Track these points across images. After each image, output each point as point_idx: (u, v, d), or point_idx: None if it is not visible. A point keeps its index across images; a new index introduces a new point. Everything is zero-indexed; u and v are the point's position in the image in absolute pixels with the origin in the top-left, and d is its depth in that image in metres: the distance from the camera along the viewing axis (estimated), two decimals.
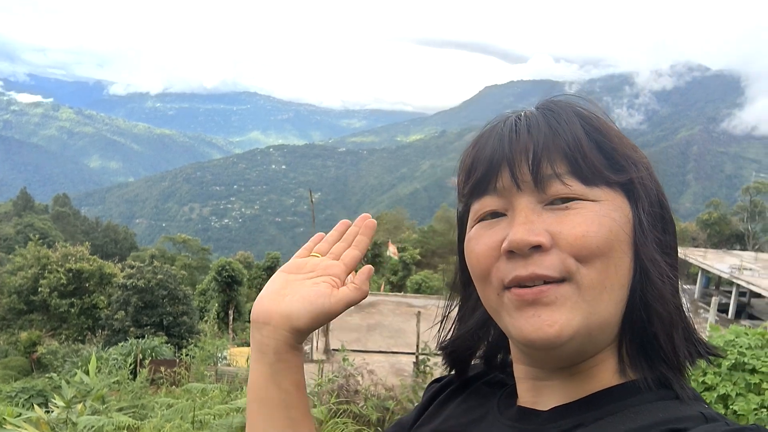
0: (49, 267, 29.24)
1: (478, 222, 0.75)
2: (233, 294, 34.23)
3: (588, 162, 0.70)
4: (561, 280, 0.67)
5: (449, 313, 0.90)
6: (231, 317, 29.18)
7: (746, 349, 4.03)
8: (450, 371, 0.92)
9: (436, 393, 0.95)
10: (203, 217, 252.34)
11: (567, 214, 0.69)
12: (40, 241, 36.22)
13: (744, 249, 41.56)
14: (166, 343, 18.60)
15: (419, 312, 10.96)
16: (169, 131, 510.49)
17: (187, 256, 56.45)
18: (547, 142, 0.70)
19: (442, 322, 0.91)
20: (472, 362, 0.91)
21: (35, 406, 7.86)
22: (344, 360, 6.33)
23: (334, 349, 12.86)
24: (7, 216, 56.53)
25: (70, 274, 29.17)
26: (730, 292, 26.83)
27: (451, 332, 0.89)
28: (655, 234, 0.72)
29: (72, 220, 69.99)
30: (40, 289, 28.58)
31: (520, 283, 0.68)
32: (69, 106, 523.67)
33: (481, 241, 0.73)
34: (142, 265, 28.77)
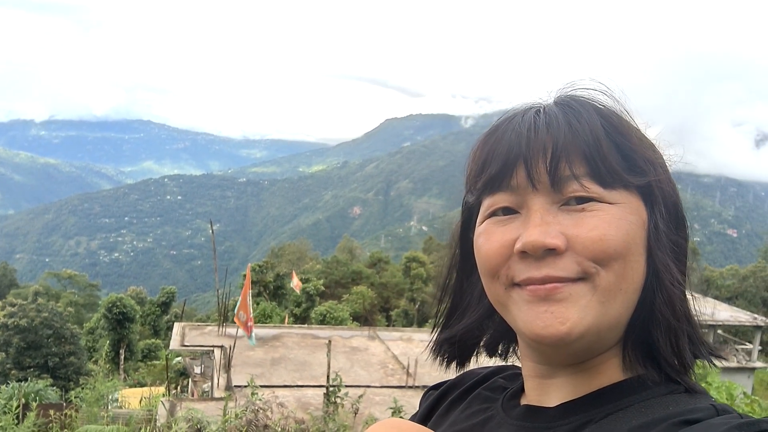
0: None
1: (490, 217, 0.74)
2: (125, 332, 32.41)
3: (607, 164, 0.68)
4: (576, 279, 0.67)
5: (444, 305, 0.88)
6: (122, 356, 27.58)
7: None
8: (449, 365, 0.90)
9: (435, 402, 0.95)
10: (91, 251, 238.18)
11: (583, 216, 0.68)
12: None
13: None
14: (52, 386, 17.28)
15: (329, 341, 10.86)
16: (54, 161, 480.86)
17: (74, 292, 52.98)
18: (567, 141, 0.69)
19: (437, 315, 0.89)
20: (467, 369, 0.91)
21: None
22: (253, 395, 6.14)
23: (236, 386, 12.43)
24: None
25: None
26: None
27: (452, 324, 0.87)
28: (669, 238, 0.72)
29: None
30: None
31: (533, 282, 0.68)
32: None
33: (492, 238, 0.72)
34: (24, 302, 26.87)
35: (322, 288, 38.55)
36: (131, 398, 17.08)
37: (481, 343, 0.89)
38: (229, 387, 13.44)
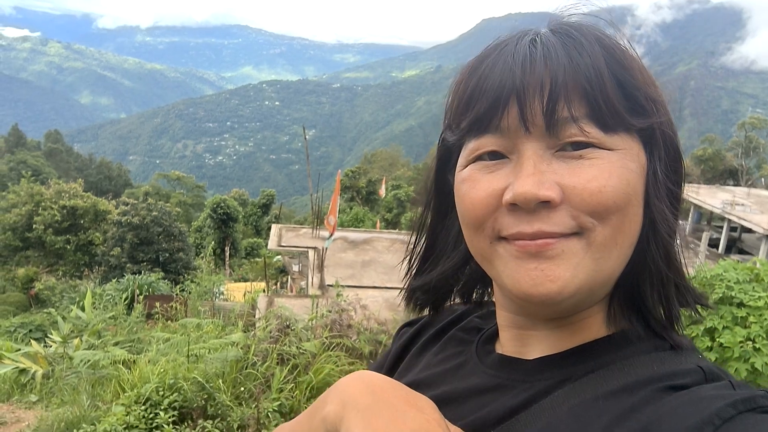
0: (43, 204, 29.20)
1: (475, 161, 0.66)
2: (229, 231, 34.40)
3: (609, 105, 0.61)
4: (569, 234, 0.61)
5: (418, 249, 0.82)
6: (227, 253, 29.41)
7: (734, 283, 4.06)
8: (421, 311, 0.85)
9: (408, 342, 0.91)
10: (197, 154, 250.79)
11: (581, 164, 0.61)
12: (33, 177, 36.04)
13: (737, 185, 41.64)
14: (163, 279, 18.78)
15: None
16: (159, 66, 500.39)
17: (182, 193, 56.40)
18: (567, 77, 0.60)
19: (410, 259, 0.83)
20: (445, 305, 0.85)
21: (32, 341, 7.99)
22: (338, 295, 6.39)
23: (329, 285, 13.00)
24: None
25: (65, 211, 29.17)
26: (722, 228, 27.09)
27: (427, 270, 0.81)
28: (667, 186, 0.66)
29: (65, 156, 69.37)
30: (34, 225, 28.62)
31: (522, 239, 0.62)
32: (57, 41, 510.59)
33: (478, 186, 0.64)
34: (136, 202, 28.82)
35: (413, 194, 38.81)
36: (236, 292, 18.36)
37: (456, 289, 0.83)
38: (322, 286, 14.10)
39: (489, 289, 0.83)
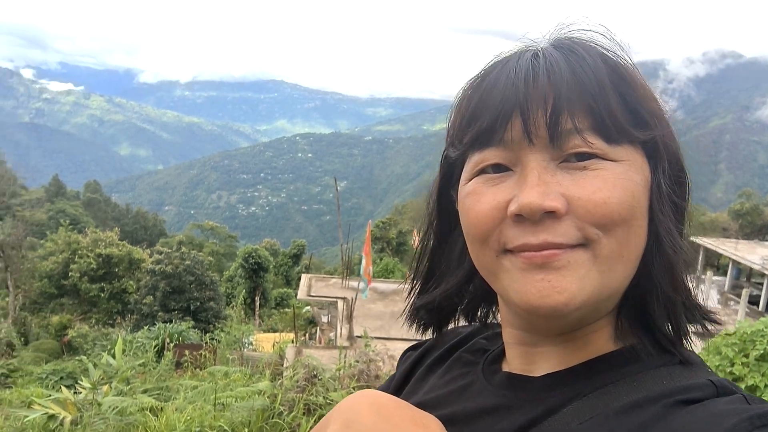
0: (80, 252, 29.85)
1: (478, 175, 0.66)
2: (259, 281, 34.58)
3: (613, 117, 0.61)
4: (575, 246, 0.60)
5: (422, 268, 0.82)
6: (257, 303, 29.51)
7: None
8: (425, 331, 0.85)
9: (413, 365, 0.89)
10: (230, 205, 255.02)
11: (585, 175, 0.61)
12: (71, 226, 36.97)
13: None
14: (194, 327, 18.87)
15: None
16: (197, 119, 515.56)
17: (215, 242, 57.07)
18: (570, 91, 0.61)
19: (413, 279, 0.82)
20: (448, 328, 0.85)
21: (63, 387, 8.05)
22: (366, 346, 6.33)
23: (357, 336, 12.90)
24: (39, 202, 57.62)
25: (100, 259, 29.76)
26: (762, 284, 26.30)
27: (430, 288, 0.81)
28: (671, 199, 0.66)
29: (103, 206, 71.23)
30: (70, 273, 29.20)
31: (529, 249, 0.61)
32: (100, 94, 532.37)
33: (482, 199, 0.64)
34: (170, 251, 29.23)
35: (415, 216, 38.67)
36: (265, 342, 18.31)
37: (460, 308, 0.82)
38: (350, 337, 13.99)
39: (493, 309, 0.82)
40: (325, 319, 19.46)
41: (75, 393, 7.64)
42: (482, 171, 0.65)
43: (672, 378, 0.62)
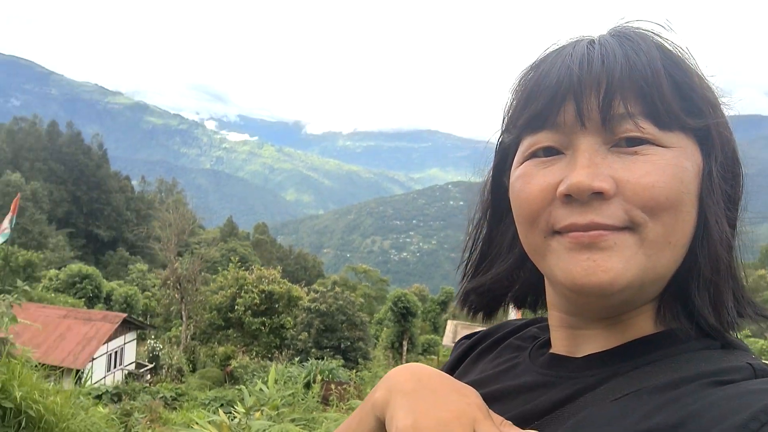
0: (246, 287, 31.89)
1: (530, 158, 0.67)
2: (407, 325, 34.71)
3: (665, 103, 0.62)
4: (622, 228, 0.61)
5: (475, 254, 0.84)
6: (405, 347, 29.64)
7: None
8: (475, 315, 0.85)
9: (466, 351, 0.91)
10: (383, 250, 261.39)
11: (636, 159, 0.61)
12: (240, 263, 39.87)
13: None
14: (343, 366, 19.33)
15: None
16: (356, 167, 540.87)
17: (367, 285, 58.48)
18: (623, 75, 0.62)
19: (467, 264, 0.84)
20: (496, 314, 0.86)
21: (220, 411, 8.60)
22: None
23: None
24: (214, 241, 62.85)
25: (263, 295, 31.52)
26: None
27: (482, 272, 0.82)
28: (723, 189, 0.65)
29: (269, 246, 76.39)
30: (236, 307, 31.22)
31: (576, 229, 0.62)
32: (271, 144, 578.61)
33: (533, 180, 0.65)
34: (325, 290, 30.39)
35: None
36: None
37: (510, 294, 0.83)
38: None
39: (542, 298, 0.81)
40: None
41: (231, 417, 8.13)
42: (534, 154, 0.66)
43: (710, 361, 0.61)
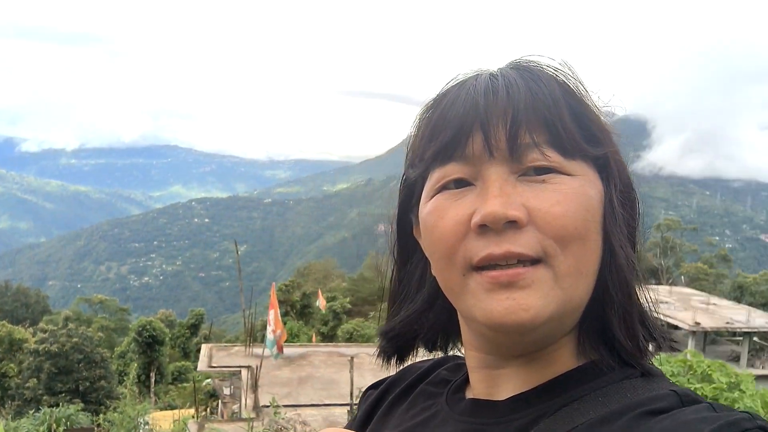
0: None
1: (441, 191, 0.66)
2: (155, 355, 32.71)
3: (568, 132, 0.63)
4: (536, 261, 0.61)
5: (395, 296, 0.81)
6: (152, 379, 27.77)
7: (670, 376, 4.15)
8: (388, 361, 0.83)
9: (375, 402, 0.87)
10: (121, 276, 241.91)
11: (545, 188, 0.62)
12: None
13: (659, 283, 43.52)
14: (83, 410, 17.43)
15: (352, 358, 10.76)
16: (84, 188, 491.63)
17: (105, 317, 53.73)
18: (527, 106, 0.63)
19: (390, 306, 0.82)
20: (409, 364, 0.84)
21: None
22: (275, 414, 6.08)
23: (263, 406, 12.38)
24: None
25: None
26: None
27: (391, 315, 0.81)
28: (623, 215, 0.67)
29: None
30: None
31: (493, 262, 0.61)
32: None
33: (446, 214, 0.64)
34: (55, 328, 27.36)
35: (349, 306, 38.51)
36: (162, 421, 17.14)
37: (419, 337, 0.81)
38: (256, 407, 13.41)
39: (453, 338, 0.81)
40: (227, 391, 18.58)
41: None
42: (444, 187, 0.66)
43: (635, 390, 0.62)
